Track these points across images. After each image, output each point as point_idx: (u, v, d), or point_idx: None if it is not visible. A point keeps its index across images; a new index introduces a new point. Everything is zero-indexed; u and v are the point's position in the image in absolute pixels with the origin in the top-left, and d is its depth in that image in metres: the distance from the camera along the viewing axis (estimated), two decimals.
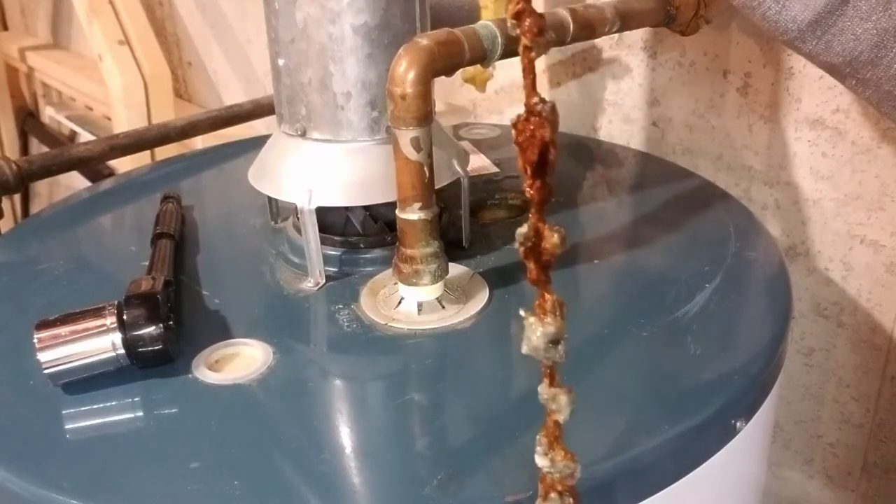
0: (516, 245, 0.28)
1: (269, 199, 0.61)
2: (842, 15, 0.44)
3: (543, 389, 0.29)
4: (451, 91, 0.98)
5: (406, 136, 0.45)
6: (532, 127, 0.26)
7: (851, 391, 0.77)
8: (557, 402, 0.29)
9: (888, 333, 0.73)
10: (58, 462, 0.39)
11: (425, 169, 0.46)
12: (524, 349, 0.29)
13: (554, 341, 0.29)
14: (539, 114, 0.26)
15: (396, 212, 0.48)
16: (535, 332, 0.29)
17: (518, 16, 0.25)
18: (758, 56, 0.72)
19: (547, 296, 0.29)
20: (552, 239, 0.28)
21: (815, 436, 0.81)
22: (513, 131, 0.26)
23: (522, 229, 0.28)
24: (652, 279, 0.54)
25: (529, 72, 0.25)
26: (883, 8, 0.43)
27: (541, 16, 0.25)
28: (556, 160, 0.27)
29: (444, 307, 0.49)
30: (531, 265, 0.28)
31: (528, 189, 0.27)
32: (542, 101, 0.26)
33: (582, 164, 0.75)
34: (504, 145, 0.78)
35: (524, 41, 0.25)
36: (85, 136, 1.57)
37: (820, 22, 0.45)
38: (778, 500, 0.85)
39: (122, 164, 1.13)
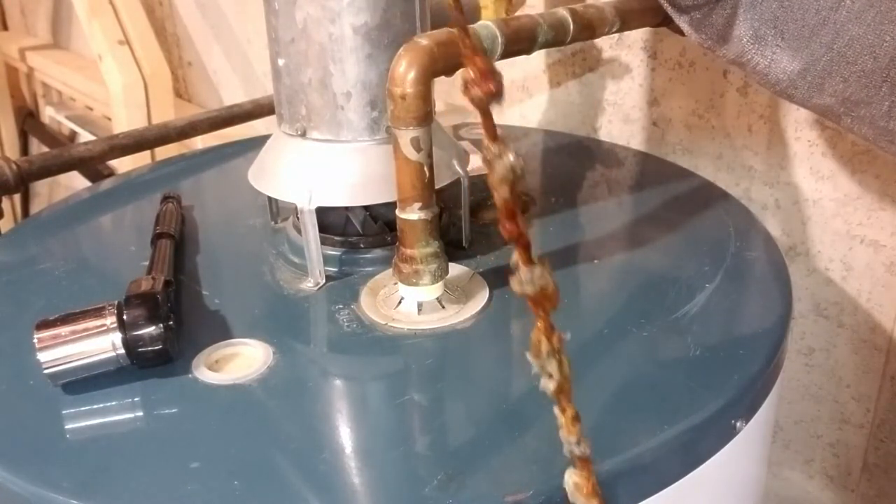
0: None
1: (269, 199, 0.61)
2: (829, 61, 0.46)
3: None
4: (451, 91, 0.98)
5: (406, 136, 0.45)
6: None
7: (851, 391, 0.77)
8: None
9: (888, 333, 0.73)
10: (58, 462, 0.39)
11: (425, 169, 0.46)
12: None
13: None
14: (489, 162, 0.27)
15: (396, 212, 0.48)
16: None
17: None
18: None
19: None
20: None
21: (815, 436, 0.81)
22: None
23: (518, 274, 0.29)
24: (652, 279, 0.54)
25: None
26: (868, 53, 0.45)
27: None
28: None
29: (444, 307, 0.49)
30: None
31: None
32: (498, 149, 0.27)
33: (582, 164, 0.75)
34: None
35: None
36: (85, 136, 1.57)
37: (809, 69, 0.47)
38: (778, 500, 0.85)
39: (122, 164, 1.13)
